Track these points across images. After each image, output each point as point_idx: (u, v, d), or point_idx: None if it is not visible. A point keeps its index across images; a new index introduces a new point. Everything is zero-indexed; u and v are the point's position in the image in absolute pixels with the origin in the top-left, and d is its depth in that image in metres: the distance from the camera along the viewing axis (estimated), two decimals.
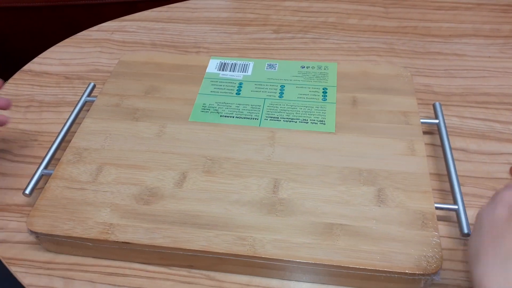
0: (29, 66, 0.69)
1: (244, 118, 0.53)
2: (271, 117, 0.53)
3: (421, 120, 0.51)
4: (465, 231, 0.42)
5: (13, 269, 0.45)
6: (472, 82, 0.62)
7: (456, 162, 0.48)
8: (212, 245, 0.41)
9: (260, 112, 0.53)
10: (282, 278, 0.42)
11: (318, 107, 0.54)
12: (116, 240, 0.42)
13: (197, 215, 0.43)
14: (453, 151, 0.49)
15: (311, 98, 0.55)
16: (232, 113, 0.53)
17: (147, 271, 0.44)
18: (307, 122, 0.52)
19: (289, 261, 0.40)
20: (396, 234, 0.41)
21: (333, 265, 0.39)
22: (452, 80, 0.63)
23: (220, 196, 0.44)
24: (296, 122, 0.52)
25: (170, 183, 0.46)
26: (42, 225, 0.43)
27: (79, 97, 0.58)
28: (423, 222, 0.41)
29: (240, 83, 0.57)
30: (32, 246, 0.46)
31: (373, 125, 0.51)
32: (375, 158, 0.47)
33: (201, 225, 0.42)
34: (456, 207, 0.44)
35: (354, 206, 0.43)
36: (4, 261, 0.46)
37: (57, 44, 0.72)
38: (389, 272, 0.39)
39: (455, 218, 0.45)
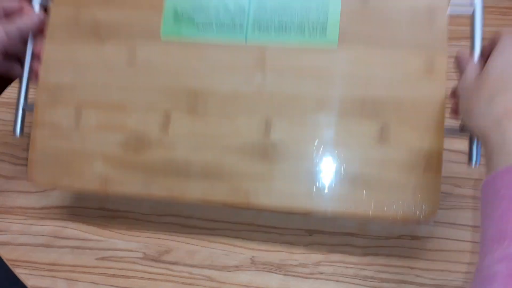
0: None
1: (226, 27, 0.44)
2: (259, 26, 0.43)
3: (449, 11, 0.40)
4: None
5: (16, 270, 0.45)
6: None
7: (460, 165, 0.47)
8: (207, 196, 0.42)
9: (246, 18, 0.43)
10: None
11: (318, 7, 0.43)
12: (115, 192, 0.43)
13: (189, 163, 0.42)
14: (457, 154, 0.48)
15: None
16: (210, 20, 0.44)
17: (149, 272, 0.45)
18: (303, 31, 0.42)
19: (283, 210, 0.39)
20: (394, 178, 0.39)
21: (327, 213, 0.40)
22: (450, 83, 0.63)
23: (210, 142, 0.43)
24: (290, 31, 0.43)
25: (155, 127, 0.44)
26: (44, 180, 0.45)
27: None
28: (426, 162, 0.39)
29: None
30: (35, 248, 0.47)
31: (385, 33, 0.41)
32: (382, 82, 0.40)
33: (195, 174, 0.42)
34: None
35: (353, 147, 0.40)
36: (8, 263, 0.46)
37: None
38: (382, 218, 0.38)
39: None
